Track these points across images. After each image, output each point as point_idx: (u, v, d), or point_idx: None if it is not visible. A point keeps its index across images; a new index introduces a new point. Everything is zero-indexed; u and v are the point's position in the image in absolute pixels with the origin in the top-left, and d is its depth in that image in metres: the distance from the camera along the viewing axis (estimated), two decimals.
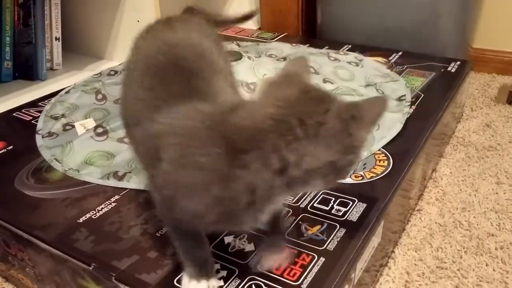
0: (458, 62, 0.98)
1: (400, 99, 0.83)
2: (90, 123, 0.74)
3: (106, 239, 0.53)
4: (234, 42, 1.10)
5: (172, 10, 1.55)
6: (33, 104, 0.85)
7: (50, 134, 0.72)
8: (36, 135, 0.72)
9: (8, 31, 1.02)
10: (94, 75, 0.94)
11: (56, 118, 0.76)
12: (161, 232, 0.53)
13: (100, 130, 0.71)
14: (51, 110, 0.80)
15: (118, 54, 1.15)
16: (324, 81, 0.87)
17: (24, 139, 0.74)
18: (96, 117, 0.77)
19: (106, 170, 0.64)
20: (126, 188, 0.62)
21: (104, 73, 0.95)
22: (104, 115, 0.77)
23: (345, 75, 0.91)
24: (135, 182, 0.62)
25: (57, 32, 1.09)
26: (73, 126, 0.74)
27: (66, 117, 0.77)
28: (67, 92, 0.87)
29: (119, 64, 0.98)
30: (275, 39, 1.16)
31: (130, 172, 0.64)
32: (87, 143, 0.69)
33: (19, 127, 0.78)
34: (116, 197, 0.60)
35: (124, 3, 1.08)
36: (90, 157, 0.67)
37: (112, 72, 0.94)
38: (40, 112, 0.82)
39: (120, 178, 0.63)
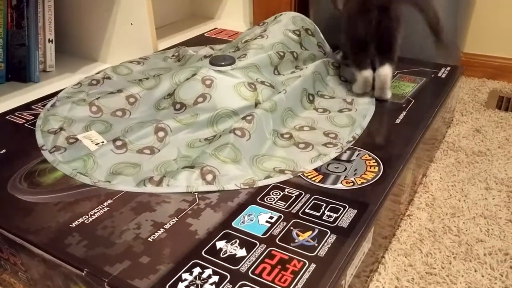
0: (449, 68, 1.00)
1: None
2: (94, 135, 0.74)
3: (99, 244, 0.53)
4: (208, 46, 1.10)
5: (165, 13, 1.57)
6: (26, 107, 0.85)
7: (57, 148, 0.71)
8: (42, 151, 0.71)
9: (1, 33, 1.01)
10: (74, 85, 0.92)
11: (54, 133, 0.75)
12: (153, 237, 0.54)
13: (119, 143, 0.71)
14: (45, 125, 0.78)
15: (112, 57, 1.15)
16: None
17: (17, 142, 0.74)
18: (97, 129, 0.76)
19: (138, 178, 0.64)
20: (120, 192, 0.62)
21: (84, 83, 0.92)
22: (106, 128, 0.77)
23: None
24: (175, 185, 0.62)
25: (50, 34, 1.09)
26: (77, 139, 0.73)
27: (65, 130, 0.76)
28: (53, 106, 0.84)
29: (97, 73, 0.96)
30: None
31: (165, 176, 0.64)
32: (110, 156, 0.69)
33: (12, 131, 0.78)
34: (109, 201, 0.60)
35: (118, 6, 1.08)
36: (115, 168, 0.67)
37: (94, 82, 0.92)
38: (33, 115, 0.82)
39: (158, 183, 0.63)
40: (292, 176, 0.65)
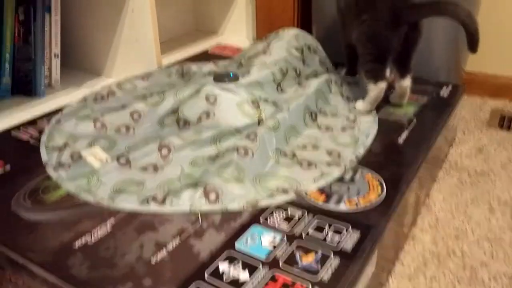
0: (451, 87, 1.00)
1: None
2: (98, 151, 0.74)
3: (101, 265, 0.53)
4: (211, 62, 1.11)
5: (169, 27, 1.58)
6: (32, 122, 0.86)
7: (61, 165, 0.72)
8: (47, 168, 0.71)
9: (8, 48, 1.02)
10: (79, 101, 0.93)
11: (59, 149, 0.76)
12: (156, 258, 0.54)
13: (123, 160, 0.71)
14: (49, 141, 0.78)
15: (116, 72, 1.16)
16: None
17: (22, 158, 0.74)
18: (101, 145, 0.77)
19: (141, 196, 0.64)
20: (123, 210, 0.62)
21: (89, 98, 0.93)
22: (111, 144, 0.77)
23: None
24: (178, 204, 0.62)
25: (56, 49, 1.09)
26: (81, 156, 0.73)
27: (70, 146, 0.76)
28: (58, 121, 0.85)
29: (102, 88, 0.96)
30: None
31: (169, 195, 0.64)
32: (113, 173, 0.69)
33: (17, 146, 0.78)
34: (112, 220, 0.60)
35: (123, 22, 1.09)
36: (119, 186, 0.67)
37: (99, 97, 0.93)
38: (38, 131, 0.82)
39: (162, 202, 0.63)
40: (295, 196, 0.65)
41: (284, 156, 0.74)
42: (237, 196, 0.64)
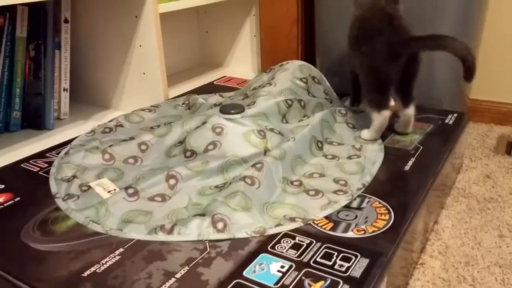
0: (456, 114, 1.01)
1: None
2: (106, 183, 0.75)
3: None
4: (217, 93, 1.12)
5: (176, 62, 1.61)
6: (41, 154, 0.87)
7: (70, 196, 0.72)
8: (56, 199, 0.72)
9: (18, 83, 1.05)
10: (87, 133, 0.94)
11: (68, 180, 0.77)
12: (165, 287, 0.53)
13: (131, 191, 0.72)
14: (58, 173, 0.79)
15: (124, 104, 1.18)
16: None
17: (32, 190, 0.75)
18: (110, 177, 0.78)
19: (149, 226, 0.65)
20: (132, 240, 0.62)
21: (97, 130, 0.95)
22: (118, 175, 0.78)
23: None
24: (186, 233, 0.62)
25: (65, 84, 1.12)
26: (89, 187, 0.74)
27: (78, 178, 0.77)
28: (66, 153, 0.86)
29: (110, 121, 0.98)
30: None
31: (176, 224, 0.64)
32: (122, 204, 0.70)
33: (26, 179, 0.79)
34: (121, 249, 0.60)
35: (131, 57, 1.12)
36: (127, 216, 0.67)
37: (107, 130, 0.95)
38: (47, 163, 0.84)
39: (170, 232, 0.63)
40: (302, 224, 0.65)
41: (291, 184, 0.75)
42: (244, 225, 0.64)
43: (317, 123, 0.90)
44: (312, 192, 0.72)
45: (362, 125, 0.93)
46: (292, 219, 0.66)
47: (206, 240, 0.62)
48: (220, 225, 0.63)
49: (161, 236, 0.62)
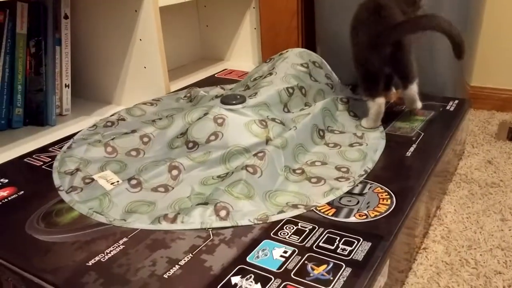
0: (457, 101, 1.01)
1: None
2: (110, 175, 0.76)
3: (115, 282, 0.53)
4: (218, 86, 1.13)
5: (177, 56, 1.61)
6: (43, 149, 0.88)
7: (73, 188, 0.73)
8: (59, 192, 0.73)
9: (20, 80, 1.05)
10: (90, 127, 0.95)
11: (71, 173, 0.77)
12: (169, 274, 0.54)
13: (134, 182, 0.72)
14: (61, 167, 0.80)
15: (125, 99, 1.19)
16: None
17: (35, 184, 0.76)
18: (113, 169, 0.78)
19: (153, 215, 0.65)
20: (135, 229, 0.63)
21: (99, 124, 0.95)
22: (121, 168, 0.79)
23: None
24: (189, 222, 0.63)
25: (66, 79, 1.13)
26: (93, 179, 0.75)
27: (82, 171, 0.77)
28: (69, 147, 0.87)
29: (112, 115, 0.99)
30: None
31: (179, 213, 0.64)
32: (125, 195, 0.70)
33: (30, 173, 0.80)
34: (124, 239, 0.61)
35: (131, 51, 1.12)
36: (130, 207, 0.68)
37: (109, 123, 0.95)
38: (50, 157, 0.84)
39: (173, 220, 0.63)
40: (305, 211, 0.65)
41: (293, 172, 0.75)
42: (247, 212, 0.65)
43: (319, 112, 0.90)
44: (314, 180, 0.73)
45: (363, 113, 0.93)
46: (295, 206, 0.66)
47: (209, 228, 0.62)
48: (223, 213, 0.64)
49: (164, 225, 0.63)
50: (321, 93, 0.99)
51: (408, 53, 0.87)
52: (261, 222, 0.63)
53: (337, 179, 0.73)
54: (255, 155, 0.74)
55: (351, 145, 0.84)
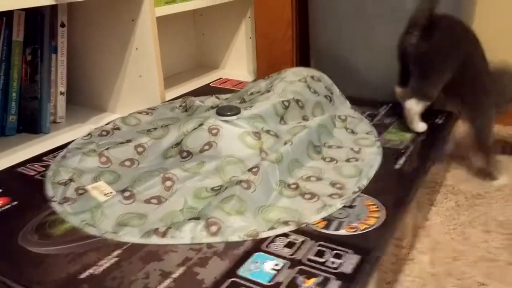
0: (445, 114, 1.03)
1: (368, 133, 0.94)
2: (103, 185, 0.76)
3: None
4: (214, 95, 1.14)
5: (172, 64, 1.63)
6: (37, 159, 0.88)
7: (66, 199, 0.74)
8: (52, 203, 0.73)
9: (14, 87, 1.06)
10: (84, 136, 0.95)
11: (64, 184, 0.78)
12: (161, 287, 0.55)
13: (127, 194, 0.73)
14: (55, 177, 0.80)
15: (120, 107, 1.20)
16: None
17: (29, 194, 0.76)
18: (106, 179, 0.79)
19: (144, 229, 0.66)
20: (128, 243, 0.64)
21: (94, 133, 0.96)
22: (115, 178, 0.79)
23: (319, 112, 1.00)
24: (180, 237, 0.64)
25: (62, 87, 1.14)
26: (86, 190, 0.76)
27: (75, 181, 0.78)
28: (63, 157, 0.87)
29: (107, 124, 1.00)
30: None
31: (171, 228, 0.65)
32: (117, 207, 0.71)
33: (23, 183, 0.80)
34: (118, 251, 0.62)
35: (128, 60, 1.14)
36: (122, 219, 0.68)
37: (104, 133, 0.96)
38: (44, 167, 0.85)
39: (163, 235, 0.64)
40: (295, 228, 0.66)
41: (288, 187, 0.76)
42: (238, 228, 0.65)
43: (315, 128, 0.91)
44: (308, 196, 0.73)
45: (362, 130, 0.94)
46: (286, 223, 0.67)
47: (200, 243, 0.63)
48: (213, 228, 0.65)
49: (154, 239, 0.64)
50: (320, 106, 1.00)
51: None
52: (251, 238, 0.64)
53: (330, 195, 0.73)
54: (249, 170, 0.75)
55: (348, 160, 0.84)
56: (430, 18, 0.87)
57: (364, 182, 0.77)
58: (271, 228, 0.66)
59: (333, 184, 0.77)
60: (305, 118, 0.95)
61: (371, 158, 0.85)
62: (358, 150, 0.88)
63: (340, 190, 0.75)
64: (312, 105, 0.98)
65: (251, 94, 1.02)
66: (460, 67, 0.89)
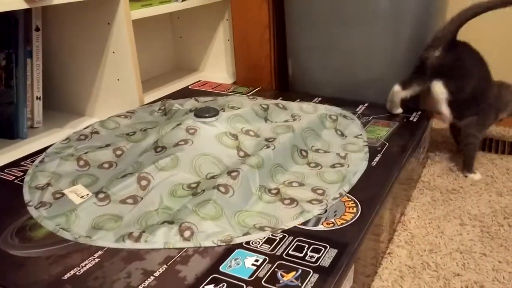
0: (420, 112, 1.06)
1: (357, 137, 0.93)
2: (80, 189, 0.76)
3: None
4: (193, 98, 1.13)
5: (150, 67, 1.62)
6: (15, 164, 0.88)
7: (42, 204, 0.73)
8: (28, 207, 0.73)
9: None
10: (63, 141, 0.95)
11: (42, 188, 0.77)
12: (144, 285, 0.56)
13: (101, 195, 0.73)
14: (33, 181, 0.80)
15: (98, 111, 1.19)
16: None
17: (8, 199, 0.76)
18: (84, 183, 0.79)
19: (118, 233, 0.66)
20: (104, 247, 0.64)
21: (72, 138, 0.95)
22: (93, 181, 0.79)
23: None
24: (153, 241, 0.63)
25: (38, 92, 1.13)
26: (63, 194, 0.75)
27: (52, 185, 0.78)
28: (41, 161, 0.87)
29: (85, 128, 0.99)
30: (250, 93, 1.23)
31: (144, 232, 0.65)
32: (92, 209, 0.70)
33: (2, 187, 0.80)
34: (100, 252, 0.62)
35: (104, 63, 1.13)
36: (97, 222, 0.68)
37: (82, 137, 0.95)
38: (22, 171, 0.84)
39: (137, 239, 0.64)
40: (271, 234, 0.65)
41: (268, 192, 0.75)
42: (212, 234, 0.65)
43: (299, 133, 0.90)
44: (287, 201, 0.72)
45: (351, 132, 0.95)
46: (262, 228, 0.66)
47: (172, 248, 0.63)
48: (187, 233, 0.64)
49: (128, 244, 0.63)
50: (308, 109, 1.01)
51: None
52: (224, 244, 0.64)
53: (310, 201, 0.72)
54: (228, 174, 0.74)
55: (332, 166, 0.83)
56: (454, 37, 0.97)
57: (346, 188, 0.76)
58: (246, 234, 0.65)
59: (314, 190, 0.76)
60: (293, 117, 0.95)
61: (356, 164, 0.83)
62: (344, 156, 0.87)
63: (321, 196, 0.74)
64: (296, 106, 0.99)
65: (232, 107, 1.00)
66: (476, 85, 0.98)
